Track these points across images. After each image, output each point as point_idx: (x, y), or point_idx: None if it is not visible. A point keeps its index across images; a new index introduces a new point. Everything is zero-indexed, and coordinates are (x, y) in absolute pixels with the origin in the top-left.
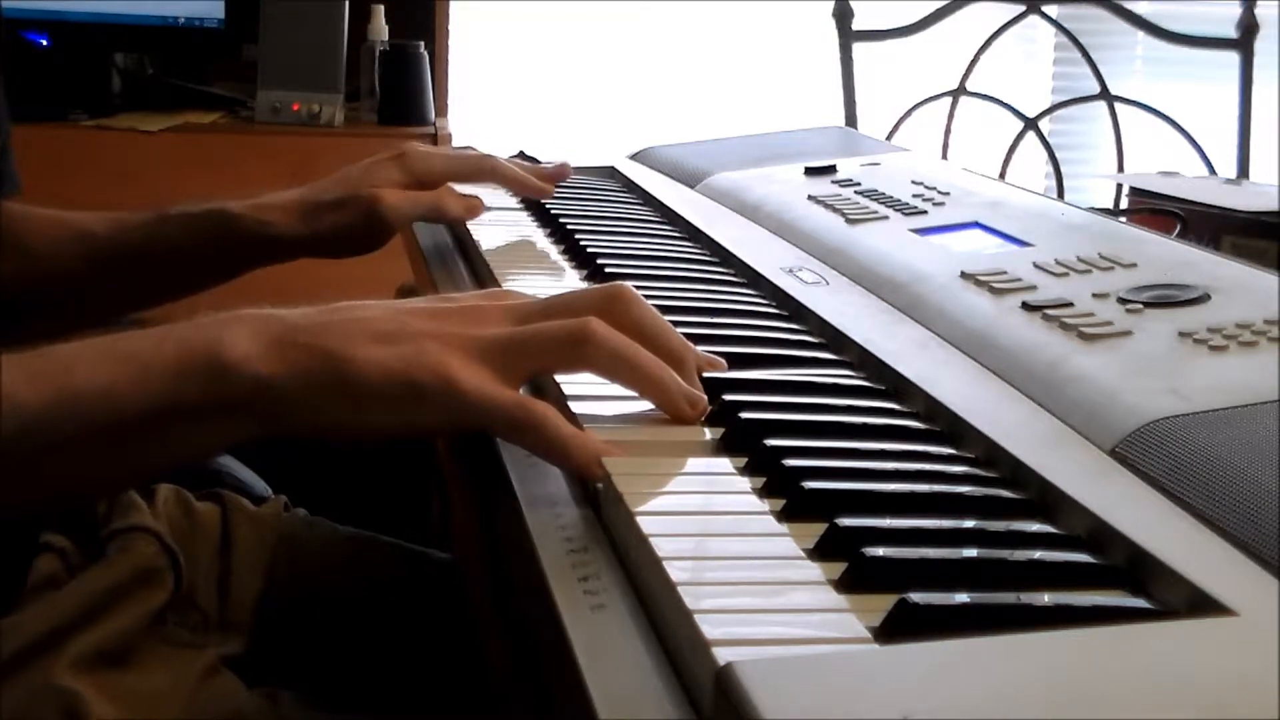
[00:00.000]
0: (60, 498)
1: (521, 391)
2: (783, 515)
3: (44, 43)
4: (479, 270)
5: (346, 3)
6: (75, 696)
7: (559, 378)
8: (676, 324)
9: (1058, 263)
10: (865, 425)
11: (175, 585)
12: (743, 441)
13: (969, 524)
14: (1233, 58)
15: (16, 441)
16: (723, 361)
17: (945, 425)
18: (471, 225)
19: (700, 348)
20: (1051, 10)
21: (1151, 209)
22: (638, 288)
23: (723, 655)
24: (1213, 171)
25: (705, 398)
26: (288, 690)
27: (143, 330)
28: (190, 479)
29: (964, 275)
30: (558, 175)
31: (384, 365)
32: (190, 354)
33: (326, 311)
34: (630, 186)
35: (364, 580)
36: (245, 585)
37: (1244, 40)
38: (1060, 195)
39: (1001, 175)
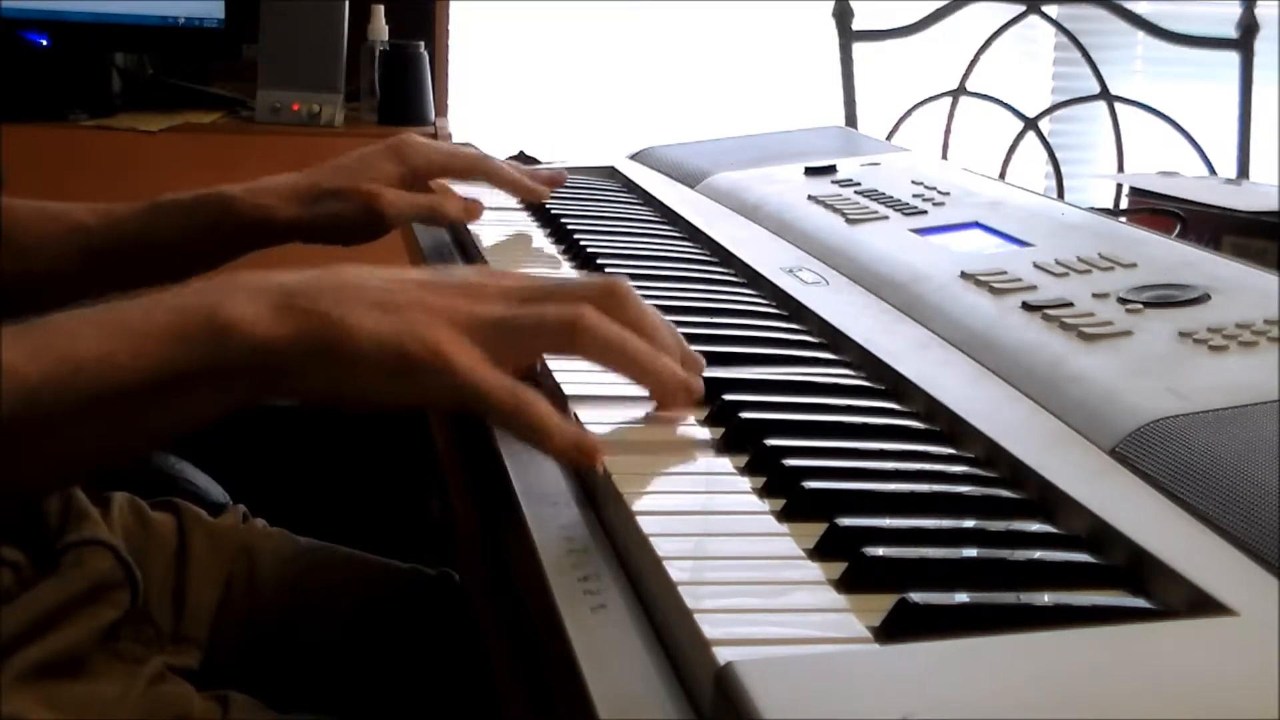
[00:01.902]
0: (60, 474)
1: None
2: (783, 515)
3: (44, 43)
4: None
5: (346, 3)
6: (17, 715)
7: (560, 378)
8: (676, 324)
9: (1058, 263)
10: (865, 425)
11: (131, 600)
12: (743, 441)
13: (969, 524)
14: (1233, 58)
15: (19, 415)
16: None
17: (945, 425)
18: (472, 224)
19: (700, 348)
20: (1051, 10)
21: (1151, 209)
22: (637, 287)
23: (723, 655)
24: (1213, 171)
25: (701, 383)
26: (238, 693)
27: (139, 299)
28: (145, 485)
29: (964, 275)
30: (554, 181)
31: (377, 333)
32: (189, 320)
33: (323, 274)
34: (630, 186)
35: (323, 591)
36: (201, 598)
37: (1244, 40)
38: (1060, 195)
39: (1001, 175)
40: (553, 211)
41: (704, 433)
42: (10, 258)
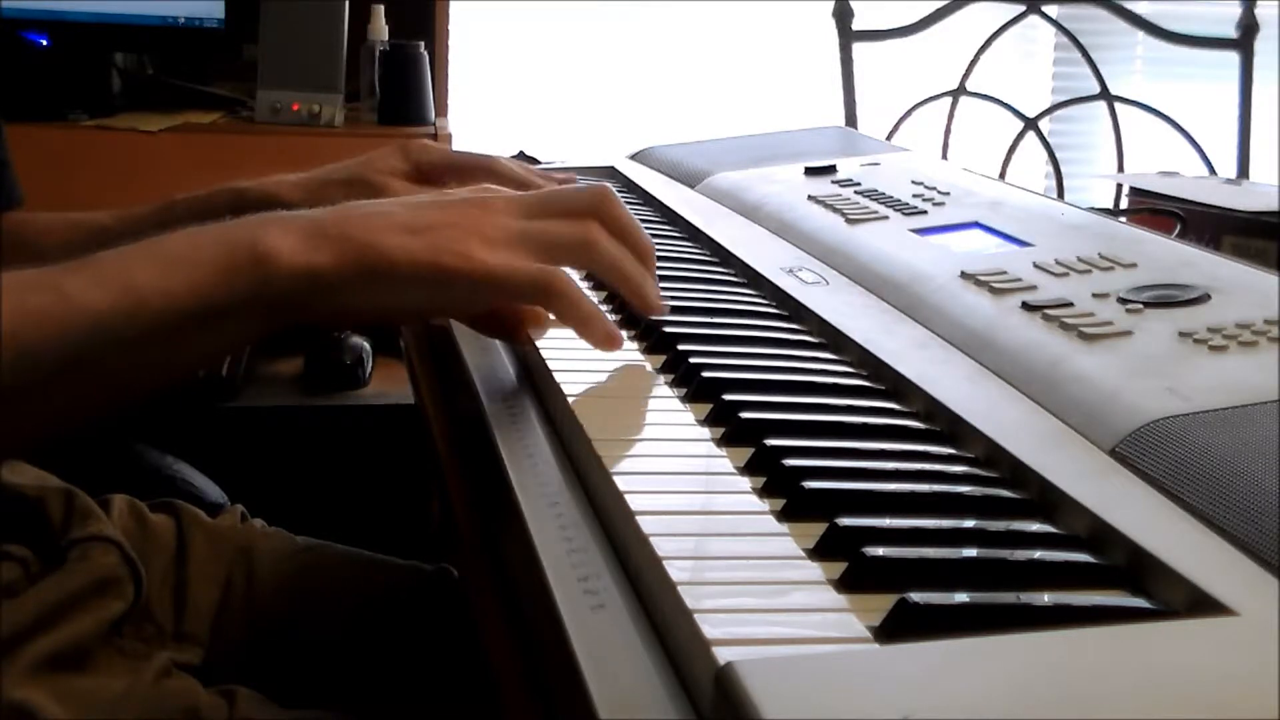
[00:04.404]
0: (119, 398)
1: None
2: (783, 515)
3: (44, 43)
4: None
5: (346, 3)
6: (27, 705)
7: (559, 379)
8: (677, 323)
9: (1058, 263)
10: (865, 425)
11: (135, 595)
12: (742, 441)
13: (969, 524)
14: (1233, 58)
15: (85, 343)
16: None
17: (945, 425)
18: None
19: (700, 348)
20: (1051, 10)
21: (1151, 209)
22: None
23: (723, 655)
24: (1213, 171)
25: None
26: (245, 688)
27: (177, 234)
28: (143, 487)
29: (964, 275)
30: (563, 184)
31: (411, 253)
32: (234, 253)
33: (345, 207)
34: (630, 186)
35: (321, 589)
36: (201, 597)
37: (1244, 40)
38: (1060, 195)
39: (1001, 175)
40: None
41: (704, 432)
42: (32, 266)
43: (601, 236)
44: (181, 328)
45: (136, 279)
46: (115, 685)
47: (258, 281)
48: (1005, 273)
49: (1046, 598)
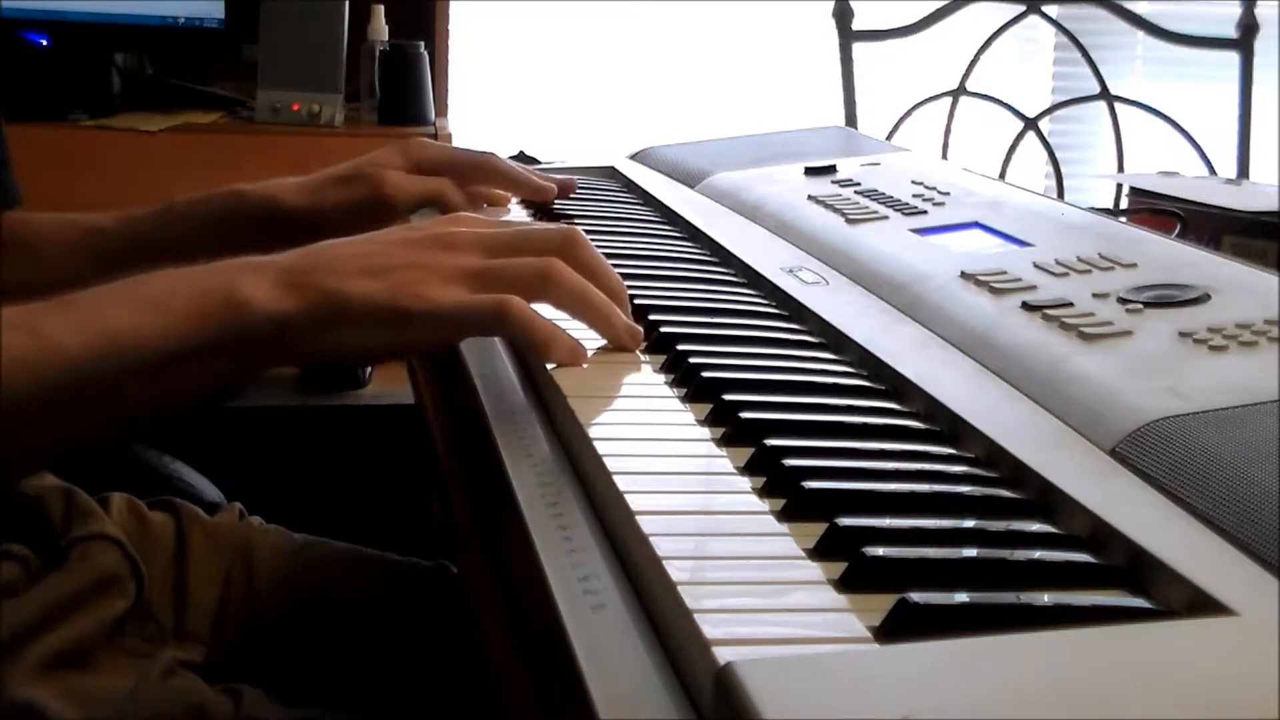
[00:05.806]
0: (92, 436)
1: None
2: (783, 515)
3: (44, 43)
4: None
5: (346, 3)
6: (35, 704)
7: (558, 379)
8: (677, 323)
9: (1058, 263)
10: (865, 425)
11: (136, 594)
12: (742, 441)
13: (969, 524)
14: (1233, 58)
15: (62, 385)
16: (639, 330)
17: (945, 425)
18: None
19: (700, 347)
20: (1051, 10)
21: (1151, 209)
22: (638, 288)
23: (723, 655)
24: (1213, 171)
25: (642, 331)
26: (250, 687)
27: (155, 275)
28: (141, 485)
29: (964, 275)
30: (564, 187)
31: (371, 296)
32: (208, 300)
33: (313, 250)
34: (630, 186)
35: (321, 585)
36: (202, 595)
37: (1244, 40)
38: (1060, 195)
39: (1001, 175)
40: (555, 211)
41: (704, 432)
42: (30, 266)
43: (563, 269)
44: (156, 369)
45: (111, 322)
46: (120, 684)
47: (231, 326)
48: (1005, 273)
49: (1046, 598)
